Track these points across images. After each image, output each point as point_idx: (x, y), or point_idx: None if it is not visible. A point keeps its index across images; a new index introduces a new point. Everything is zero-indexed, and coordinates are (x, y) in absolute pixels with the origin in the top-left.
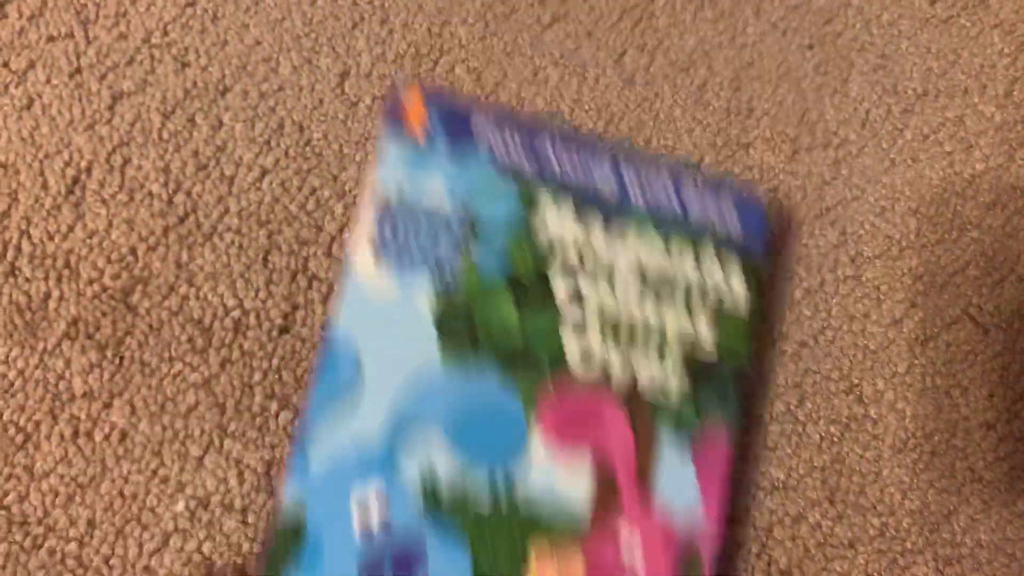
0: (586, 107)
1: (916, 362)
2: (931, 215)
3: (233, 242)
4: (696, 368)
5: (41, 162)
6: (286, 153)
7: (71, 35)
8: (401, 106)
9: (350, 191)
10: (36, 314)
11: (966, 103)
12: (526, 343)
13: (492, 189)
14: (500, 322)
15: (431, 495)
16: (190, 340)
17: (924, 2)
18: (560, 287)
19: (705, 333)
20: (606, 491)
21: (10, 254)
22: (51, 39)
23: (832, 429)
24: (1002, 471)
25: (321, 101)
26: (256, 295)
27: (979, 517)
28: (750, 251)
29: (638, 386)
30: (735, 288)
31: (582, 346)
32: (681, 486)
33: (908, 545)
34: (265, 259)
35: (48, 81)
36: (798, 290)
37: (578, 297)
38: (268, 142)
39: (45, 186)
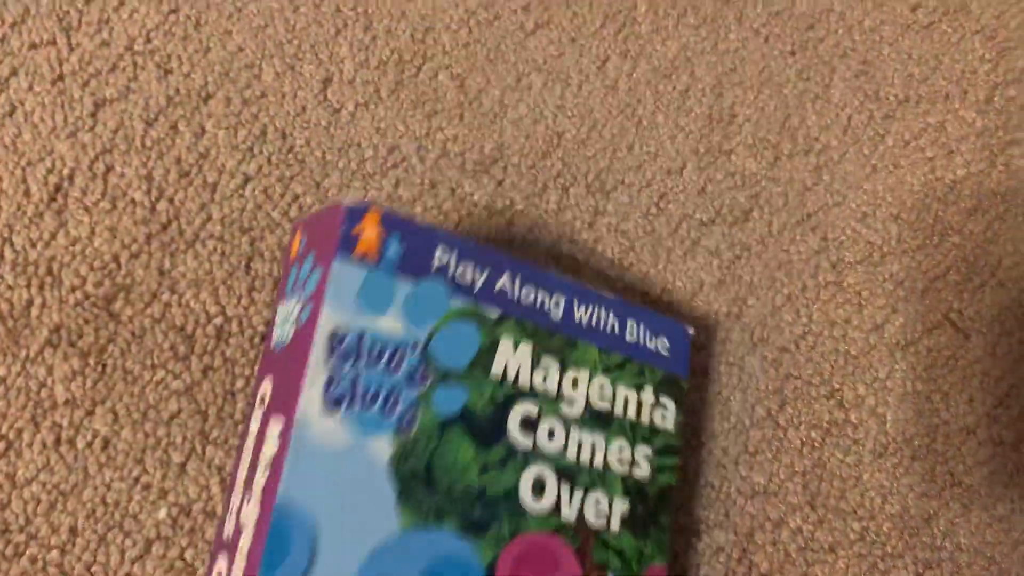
0: (569, 113)
1: (897, 367)
2: (912, 221)
3: (216, 249)
4: (635, 493)
5: (23, 169)
6: (269, 160)
7: (53, 42)
8: (356, 228)
9: (332, 198)
10: (18, 321)
11: (947, 109)
12: (483, 488)
13: (449, 320)
14: (457, 463)
15: None
16: (172, 347)
17: (905, 8)
18: (514, 421)
19: (641, 456)
20: None
21: None
22: (33, 46)
23: (813, 434)
24: (982, 475)
25: (304, 108)
26: (239, 302)
27: (959, 521)
28: (676, 373)
29: (586, 523)
30: (666, 408)
31: (535, 482)
32: None
33: (888, 549)
34: (248, 266)
35: (30, 88)
36: (779, 296)
37: (531, 431)
38: (251, 149)
39: (27, 193)
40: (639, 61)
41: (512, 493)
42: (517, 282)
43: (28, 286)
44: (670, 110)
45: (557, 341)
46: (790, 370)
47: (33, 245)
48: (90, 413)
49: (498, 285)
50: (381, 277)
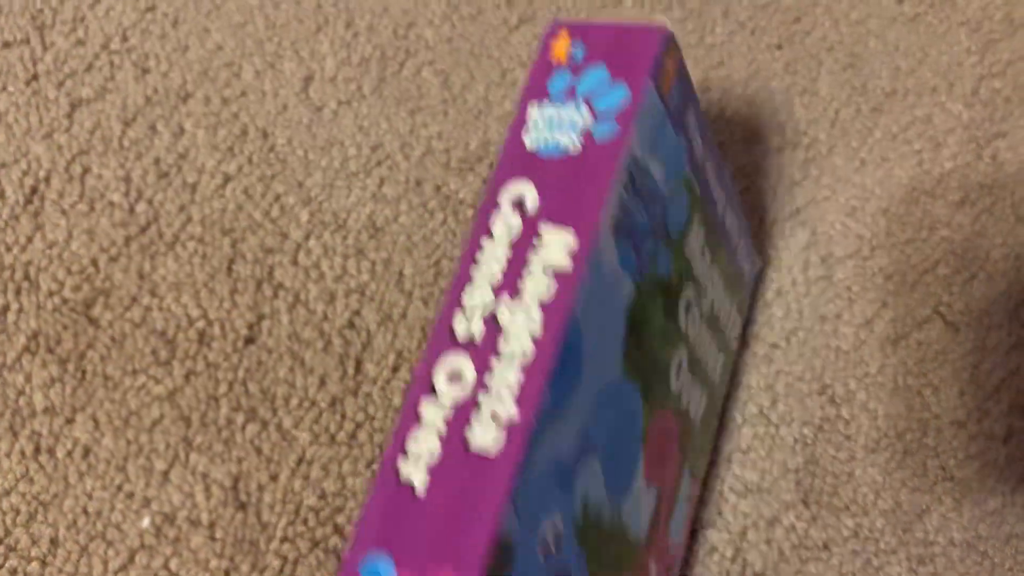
0: None
1: (888, 362)
2: (901, 214)
3: (196, 251)
4: (709, 395)
5: None
6: (249, 160)
7: (27, 41)
8: (663, 61)
9: (315, 197)
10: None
11: (934, 101)
12: (658, 357)
13: (680, 185)
14: (655, 328)
15: (583, 525)
16: (153, 352)
17: (891, 0)
18: (683, 302)
19: (719, 364)
20: (653, 529)
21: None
22: (6, 45)
23: (805, 431)
24: (973, 469)
25: (285, 106)
26: (220, 305)
27: (951, 515)
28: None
29: (689, 415)
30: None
31: (679, 362)
32: (678, 522)
33: (882, 545)
34: (229, 268)
35: (4, 88)
36: (769, 292)
37: (687, 315)
38: (231, 149)
39: (2, 196)
40: None
41: (668, 368)
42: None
43: (4, 291)
44: None
45: (713, 237)
46: (781, 366)
47: (9, 249)
48: (70, 421)
49: (699, 159)
50: (665, 118)
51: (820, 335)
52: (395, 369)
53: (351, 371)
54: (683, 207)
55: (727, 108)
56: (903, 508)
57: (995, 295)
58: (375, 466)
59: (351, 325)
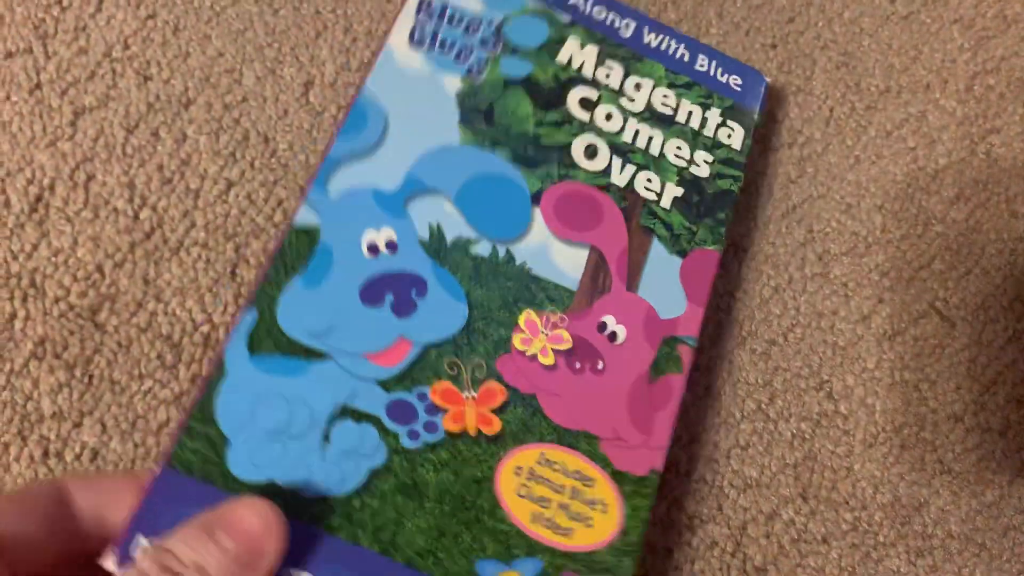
0: None
1: (884, 357)
2: (896, 211)
3: (200, 256)
4: (691, 184)
5: (3, 180)
6: (252, 165)
7: (30, 50)
8: None
9: None
10: (2, 335)
11: (928, 98)
12: (537, 136)
13: (523, 13)
14: (516, 112)
15: (436, 243)
16: (159, 356)
17: None
18: (574, 98)
19: (701, 159)
20: (597, 275)
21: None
22: (9, 55)
23: (803, 426)
24: (971, 462)
25: (286, 111)
26: (225, 309)
27: (949, 508)
28: (748, 106)
29: (636, 190)
30: (733, 130)
31: (588, 146)
32: (668, 287)
33: (881, 538)
34: (233, 272)
35: (7, 98)
36: (766, 288)
37: (589, 109)
38: (233, 154)
39: (8, 204)
40: None
41: (565, 147)
42: (589, 1)
43: (11, 299)
44: None
45: (624, 51)
46: (779, 363)
47: (15, 257)
48: (77, 425)
49: (570, 1)
50: None
51: (817, 331)
52: None
53: None
54: (537, 27)
55: None
56: (901, 501)
57: (991, 289)
58: None
59: None
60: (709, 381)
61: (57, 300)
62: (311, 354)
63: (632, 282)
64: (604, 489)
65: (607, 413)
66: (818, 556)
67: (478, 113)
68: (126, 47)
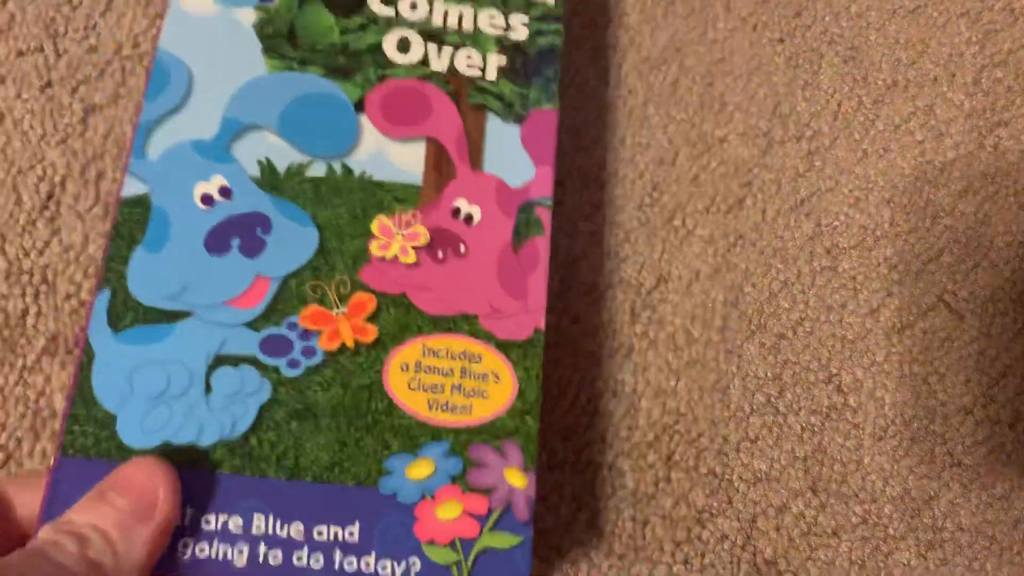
0: (563, 107)
1: (893, 350)
2: (904, 204)
3: None
4: (512, 50)
5: (14, 178)
6: None
7: (40, 49)
8: None
9: None
10: (14, 331)
11: (935, 92)
12: (345, 44)
13: None
14: (319, 27)
15: (270, 177)
16: None
17: None
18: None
19: (518, 22)
20: (440, 163)
21: None
22: (20, 54)
23: (813, 419)
24: (980, 455)
25: None
26: None
27: (959, 501)
28: None
29: (458, 72)
30: None
31: (400, 41)
32: (512, 156)
33: (891, 531)
34: None
35: (19, 96)
36: (775, 282)
37: (392, 4)
38: None
39: (19, 202)
40: (628, 53)
41: (376, 48)
42: None
43: (23, 295)
44: (661, 100)
45: None
46: (788, 356)
47: (27, 254)
48: None
49: None
50: None
51: (826, 325)
52: None
53: None
54: None
55: (730, 102)
56: (911, 494)
57: (999, 282)
58: None
59: None
60: (718, 375)
61: (68, 296)
62: (173, 316)
63: (476, 161)
64: (492, 361)
65: (480, 291)
66: (828, 549)
67: (279, 38)
68: (136, 45)
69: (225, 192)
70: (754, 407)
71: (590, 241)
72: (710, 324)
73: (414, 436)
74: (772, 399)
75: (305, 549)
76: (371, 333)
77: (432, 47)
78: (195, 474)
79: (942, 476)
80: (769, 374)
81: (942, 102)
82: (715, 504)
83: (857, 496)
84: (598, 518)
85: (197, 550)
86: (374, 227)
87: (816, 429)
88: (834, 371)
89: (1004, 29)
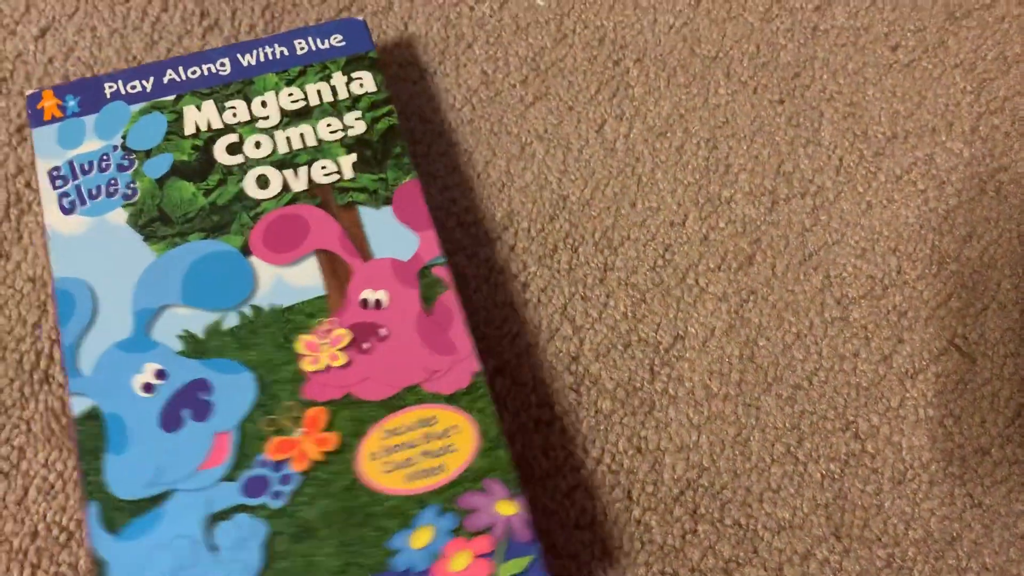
0: (572, 177)
1: (908, 395)
2: (910, 252)
3: None
4: (357, 145)
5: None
6: None
7: None
8: (39, 104)
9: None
10: (71, 418)
11: (935, 142)
12: (213, 202)
13: (135, 121)
14: (183, 198)
15: (193, 345)
16: None
17: (886, 49)
18: (220, 151)
19: (352, 119)
20: (335, 268)
21: (43, 363)
22: None
23: (832, 467)
24: (1000, 495)
25: None
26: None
27: (982, 541)
28: (361, 51)
29: (319, 183)
30: (362, 77)
31: (258, 179)
32: (394, 234)
33: (916, 574)
34: None
35: None
36: (788, 335)
37: (239, 151)
38: None
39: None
40: (635, 122)
41: (240, 195)
42: (181, 70)
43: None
44: (668, 165)
45: (234, 87)
46: (805, 406)
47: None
48: None
49: (166, 79)
50: (70, 123)
51: (840, 374)
52: None
53: None
54: (155, 122)
55: (734, 164)
56: (934, 537)
57: (1008, 324)
58: None
59: None
60: (738, 428)
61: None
62: (158, 499)
63: (364, 252)
64: (447, 417)
65: (412, 361)
66: None
67: (154, 223)
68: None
69: (161, 375)
70: (774, 457)
71: (605, 304)
72: (727, 379)
73: (405, 511)
74: (791, 449)
75: None
76: (333, 440)
77: (288, 172)
78: None
79: (963, 517)
80: (787, 424)
81: (942, 151)
82: (741, 554)
83: (880, 540)
84: (627, 575)
85: None
86: (299, 347)
87: (836, 476)
88: (851, 418)
89: (998, 77)
